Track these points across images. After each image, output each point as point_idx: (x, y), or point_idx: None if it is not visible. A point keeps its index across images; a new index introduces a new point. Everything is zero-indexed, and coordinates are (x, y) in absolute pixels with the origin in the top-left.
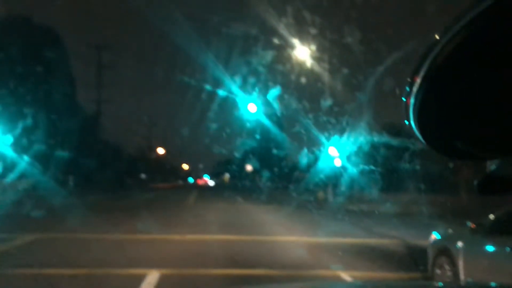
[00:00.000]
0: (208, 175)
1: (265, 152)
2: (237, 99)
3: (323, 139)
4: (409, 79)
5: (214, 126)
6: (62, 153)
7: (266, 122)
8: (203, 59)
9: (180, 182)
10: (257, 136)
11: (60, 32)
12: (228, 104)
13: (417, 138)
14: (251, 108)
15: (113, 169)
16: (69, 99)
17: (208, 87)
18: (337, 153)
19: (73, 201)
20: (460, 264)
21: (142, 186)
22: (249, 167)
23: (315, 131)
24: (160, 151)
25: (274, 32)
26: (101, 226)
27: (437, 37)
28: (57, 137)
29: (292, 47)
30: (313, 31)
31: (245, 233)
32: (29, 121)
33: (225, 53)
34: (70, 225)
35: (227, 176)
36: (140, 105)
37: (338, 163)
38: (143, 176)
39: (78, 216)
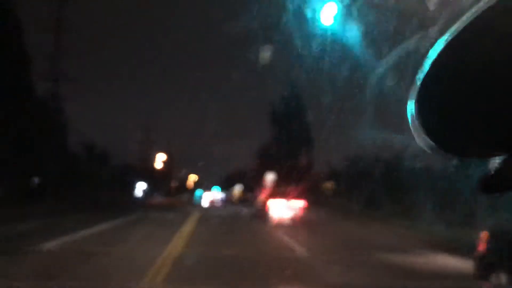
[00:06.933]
0: (219, 187)
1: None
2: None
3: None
4: (410, 77)
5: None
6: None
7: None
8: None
9: (185, 197)
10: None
11: None
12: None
13: (419, 136)
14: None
15: (93, 182)
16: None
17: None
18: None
19: None
20: None
21: (129, 203)
22: (270, 176)
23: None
24: (159, 159)
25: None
26: None
27: (439, 35)
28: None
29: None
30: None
31: None
32: None
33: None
34: None
35: (237, 189)
36: (135, 102)
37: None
38: (136, 191)
39: None
